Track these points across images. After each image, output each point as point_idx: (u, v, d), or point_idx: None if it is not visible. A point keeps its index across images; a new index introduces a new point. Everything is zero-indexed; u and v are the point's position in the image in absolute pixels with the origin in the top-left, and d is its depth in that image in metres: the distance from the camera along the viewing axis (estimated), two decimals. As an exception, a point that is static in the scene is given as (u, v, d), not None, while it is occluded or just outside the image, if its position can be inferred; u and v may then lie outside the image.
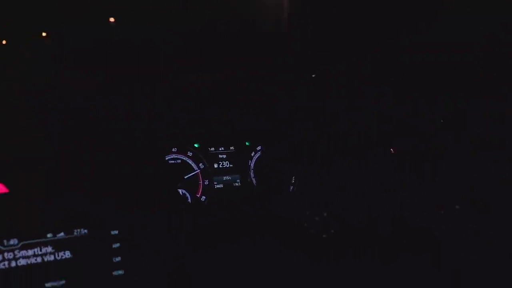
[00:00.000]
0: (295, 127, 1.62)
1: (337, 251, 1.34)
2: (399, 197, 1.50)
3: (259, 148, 1.64)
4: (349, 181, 1.53)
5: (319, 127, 1.62)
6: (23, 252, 1.03)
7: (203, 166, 1.53)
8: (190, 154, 1.51)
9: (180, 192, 1.46)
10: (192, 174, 1.50)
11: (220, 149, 1.58)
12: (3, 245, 1.02)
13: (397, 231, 1.42)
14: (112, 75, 1.39)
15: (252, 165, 1.62)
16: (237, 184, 1.57)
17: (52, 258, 1.05)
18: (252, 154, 1.63)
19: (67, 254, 1.07)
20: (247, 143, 1.63)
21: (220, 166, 1.56)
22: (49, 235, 1.06)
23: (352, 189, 1.51)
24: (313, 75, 1.61)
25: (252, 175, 1.61)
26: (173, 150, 1.48)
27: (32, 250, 1.04)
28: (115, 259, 1.12)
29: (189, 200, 1.47)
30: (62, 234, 1.08)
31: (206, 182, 1.52)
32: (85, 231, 1.10)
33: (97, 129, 1.30)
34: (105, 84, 1.36)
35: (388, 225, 1.42)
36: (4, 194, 1.08)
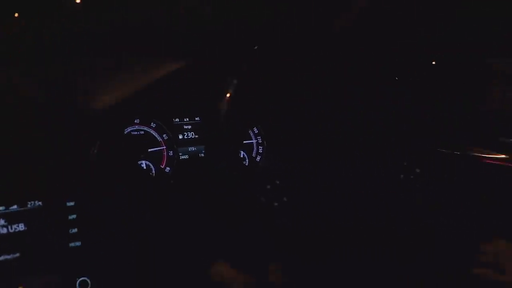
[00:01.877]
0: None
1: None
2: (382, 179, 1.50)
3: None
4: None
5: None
6: (-26, 225, 1.02)
7: (167, 137, 1.51)
8: (153, 125, 1.49)
9: (144, 164, 1.45)
10: (157, 148, 1.48)
11: (185, 119, 1.56)
12: (-47, 218, 1.00)
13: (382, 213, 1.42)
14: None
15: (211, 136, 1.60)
16: (202, 155, 1.56)
17: (5, 231, 1.04)
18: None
19: (21, 226, 1.06)
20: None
21: (185, 137, 1.55)
22: (1, 208, 1.05)
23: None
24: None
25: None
26: (135, 121, 1.46)
27: (-16, 223, 1.02)
28: (71, 231, 1.11)
29: (153, 172, 1.46)
30: (15, 206, 1.06)
31: (171, 154, 1.51)
32: (39, 203, 1.09)
33: (57, 97, 1.27)
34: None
35: (366, 206, 1.43)
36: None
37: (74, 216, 1.12)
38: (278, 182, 1.39)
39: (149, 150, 1.47)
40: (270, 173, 1.51)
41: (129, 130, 1.44)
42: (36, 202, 1.08)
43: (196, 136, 1.57)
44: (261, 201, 1.36)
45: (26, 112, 1.16)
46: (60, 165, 1.15)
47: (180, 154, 1.52)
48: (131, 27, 1.31)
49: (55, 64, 1.20)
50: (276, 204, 1.36)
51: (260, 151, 1.69)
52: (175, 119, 1.54)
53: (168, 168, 1.49)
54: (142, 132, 1.47)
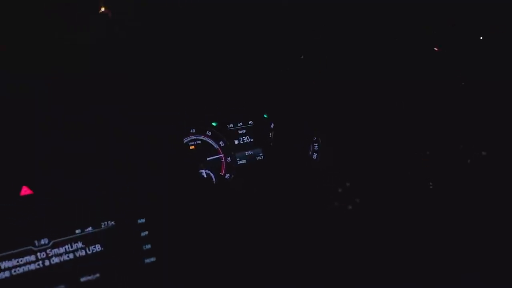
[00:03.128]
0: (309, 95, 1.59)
1: (363, 224, 1.32)
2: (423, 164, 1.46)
3: (278, 118, 1.62)
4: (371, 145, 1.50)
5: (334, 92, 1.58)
6: (55, 251, 1.05)
7: (223, 144, 1.52)
8: (209, 133, 1.50)
9: (204, 173, 1.46)
10: (215, 157, 1.49)
11: (238, 124, 1.57)
12: (34, 246, 1.04)
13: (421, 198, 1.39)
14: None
15: (273, 136, 1.60)
16: (260, 158, 1.56)
17: (83, 253, 1.07)
18: (272, 126, 1.61)
19: (98, 247, 1.09)
20: (265, 116, 1.60)
21: (241, 142, 1.55)
22: (77, 231, 1.08)
23: (374, 154, 1.48)
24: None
25: (274, 147, 1.59)
26: (191, 131, 1.47)
27: (63, 248, 1.05)
28: (145, 247, 1.13)
29: (214, 180, 1.47)
30: (90, 228, 1.09)
31: (229, 160, 1.52)
32: (112, 222, 1.11)
33: (112, 124, 1.29)
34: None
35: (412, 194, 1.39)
36: (29, 195, 1.09)
37: (146, 232, 1.14)
38: (348, 184, 1.37)
39: (208, 159, 1.48)
40: (330, 172, 1.49)
41: (186, 140, 1.46)
42: (109, 222, 1.11)
43: (251, 140, 1.57)
44: (334, 204, 1.35)
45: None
46: (129, 184, 1.17)
47: (237, 159, 1.53)
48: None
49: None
50: (350, 207, 1.34)
51: (316, 148, 1.68)
52: (229, 125, 1.55)
53: (228, 175, 1.50)
54: (199, 142, 1.49)
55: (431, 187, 1.44)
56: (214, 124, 1.51)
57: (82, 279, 1.05)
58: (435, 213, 1.38)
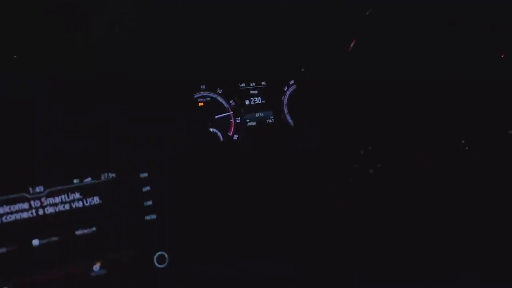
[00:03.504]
0: (330, 60, 1.51)
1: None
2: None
3: (292, 82, 1.54)
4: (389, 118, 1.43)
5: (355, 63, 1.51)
6: (50, 200, 0.98)
7: (233, 103, 1.44)
8: (220, 91, 1.42)
9: (212, 131, 1.39)
10: (224, 115, 1.42)
11: (251, 84, 1.48)
12: (29, 193, 0.97)
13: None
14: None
15: (285, 100, 1.52)
16: (270, 121, 1.48)
17: (80, 204, 1.00)
18: (285, 89, 1.53)
19: (96, 200, 1.02)
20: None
21: (251, 103, 1.47)
22: (75, 181, 1.01)
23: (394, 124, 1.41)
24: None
25: (286, 111, 1.51)
26: (201, 87, 1.39)
27: (59, 197, 0.99)
28: (146, 203, 1.06)
29: (221, 139, 1.40)
30: (89, 179, 1.02)
31: (238, 120, 1.44)
32: (113, 175, 1.05)
33: (122, 70, 1.22)
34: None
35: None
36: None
37: (148, 188, 1.07)
38: (370, 147, 1.30)
39: (216, 117, 1.41)
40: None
41: (196, 96, 1.38)
42: (109, 174, 1.04)
43: (263, 102, 1.49)
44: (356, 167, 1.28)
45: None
46: (132, 135, 1.10)
47: (247, 120, 1.45)
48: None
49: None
50: (371, 171, 1.28)
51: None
52: (241, 84, 1.47)
53: (236, 136, 1.42)
54: (209, 99, 1.41)
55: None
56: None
57: (77, 232, 0.99)
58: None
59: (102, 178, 1.04)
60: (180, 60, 1.32)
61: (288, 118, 1.50)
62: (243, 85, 1.48)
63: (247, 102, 1.47)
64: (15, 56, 1.10)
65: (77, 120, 1.07)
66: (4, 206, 0.94)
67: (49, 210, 0.98)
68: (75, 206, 1.00)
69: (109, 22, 1.16)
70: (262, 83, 1.51)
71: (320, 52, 1.53)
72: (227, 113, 1.43)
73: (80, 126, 1.07)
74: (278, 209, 1.20)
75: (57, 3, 1.05)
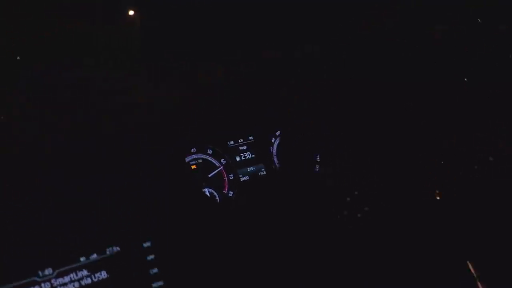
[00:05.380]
0: (311, 107, 1.58)
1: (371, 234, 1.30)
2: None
3: (278, 133, 1.60)
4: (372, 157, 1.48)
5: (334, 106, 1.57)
6: (60, 280, 1.02)
7: (224, 161, 1.49)
8: (209, 151, 1.48)
9: (207, 192, 1.43)
10: (215, 171, 1.47)
11: (239, 141, 1.54)
12: (38, 276, 1.00)
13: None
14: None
15: (274, 151, 1.58)
16: (262, 173, 1.53)
17: (89, 281, 1.04)
18: (273, 140, 1.59)
19: (103, 274, 1.05)
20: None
21: (242, 158, 1.53)
22: (82, 259, 1.05)
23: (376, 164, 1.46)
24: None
25: (276, 161, 1.57)
26: (192, 150, 1.45)
27: (68, 277, 1.02)
28: (152, 271, 1.10)
29: (218, 199, 1.44)
30: (94, 255, 1.06)
31: (231, 177, 1.49)
32: (117, 248, 1.09)
33: (111, 146, 1.27)
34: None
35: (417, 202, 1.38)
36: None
37: (152, 256, 1.11)
38: (356, 192, 1.35)
39: (209, 175, 1.45)
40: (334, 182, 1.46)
41: (187, 160, 1.43)
42: (114, 247, 1.08)
43: (253, 156, 1.54)
44: (344, 214, 1.32)
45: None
46: (132, 207, 1.15)
47: (240, 176, 1.50)
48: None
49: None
50: (359, 215, 1.32)
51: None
52: (229, 142, 1.53)
53: (231, 192, 1.47)
54: (200, 161, 1.46)
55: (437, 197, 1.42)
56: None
57: (90, 309, 1.02)
58: (441, 219, 1.36)
59: (107, 252, 1.07)
60: (168, 126, 1.38)
61: (279, 168, 1.56)
62: (231, 142, 1.53)
63: (237, 159, 1.52)
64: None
65: (77, 196, 1.12)
66: (16, 292, 0.98)
67: (60, 290, 1.01)
68: (84, 284, 1.03)
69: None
70: (250, 137, 1.57)
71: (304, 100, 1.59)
72: (218, 169, 1.48)
73: (81, 202, 1.12)
74: (285, 264, 1.23)
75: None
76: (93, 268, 1.05)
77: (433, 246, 1.28)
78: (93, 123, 1.25)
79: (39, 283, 1.00)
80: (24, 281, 0.99)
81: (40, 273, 1.01)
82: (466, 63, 1.56)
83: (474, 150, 1.47)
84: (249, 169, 1.52)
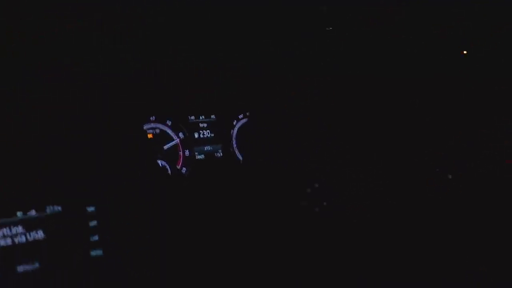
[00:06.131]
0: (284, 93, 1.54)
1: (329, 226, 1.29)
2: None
3: (241, 116, 1.55)
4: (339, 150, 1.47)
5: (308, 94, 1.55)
6: (-9, 233, 0.93)
7: (183, 135, 1.44)
8: (169, 123, 1.42)
9: (160, 164, 1.37)
10: (171, 144, 1.41)
11: (200, 117, 1.49)
12: (-33, 226, 0.92)
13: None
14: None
15: (234, 134, 1.53)
16: (219, 154, 1.49)
17: (23, 239, 0.96)
18: (234, 123, 1.54)
19: (40, 234, 0.98)
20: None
21: (201, 136, 1.48)
22: (19, 214, 0.96)
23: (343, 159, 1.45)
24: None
25: (234, 145, 1.52)
26: (151, 119, 1.38)
27: (1, 231, 0.94)
28: (92, 238, 1.03)
29: (169, 172, 1.38)
30: (33, 212, 0.98)
31: (187, 153, 1.43)
32: (59, 208, 1.01)
33: (69, 98, 1.18)
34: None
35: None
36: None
37: (95, 222, 1.04)
38: (317, 185, 1.33)
39: (165, 147, 1.39)
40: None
41: (145, 127, 1.36)
42: (55, 207, 1.01)
43: (212, 135, 1.49)
44: (303, 205, 1.30)
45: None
46: (79, 167, 1.07)
47: (196, 153, 1.45)
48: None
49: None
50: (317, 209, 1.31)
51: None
52: (190, 116, 1.47)
53: (184, 169, 1.42)
54: (158, 131, 1.40)
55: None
56: None
57: (19, 269, 0.94)
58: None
59: (47, 211, 1.00)
60: (130, 91, 1.31)
61: (237, 152, 1.52)
62: (192, 117, 1.48)
63: (196, 135, 1.47)
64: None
65: (21, 148, 1.03)
66: None
67: (-11, 244, 0.93)
68: (18, 241, 0.95)
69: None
70: (212, 116, 1.51)
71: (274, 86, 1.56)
72: (175, 141, 1.42)
73: (24, 155, 1.03)
74: (225, 243, 1.19)
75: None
76: (29, 225, 0.97)
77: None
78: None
79: (-34, 234, 0.91)
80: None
81: (-31, 222, 0.92)
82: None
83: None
84: (206, 148, 1.47)
